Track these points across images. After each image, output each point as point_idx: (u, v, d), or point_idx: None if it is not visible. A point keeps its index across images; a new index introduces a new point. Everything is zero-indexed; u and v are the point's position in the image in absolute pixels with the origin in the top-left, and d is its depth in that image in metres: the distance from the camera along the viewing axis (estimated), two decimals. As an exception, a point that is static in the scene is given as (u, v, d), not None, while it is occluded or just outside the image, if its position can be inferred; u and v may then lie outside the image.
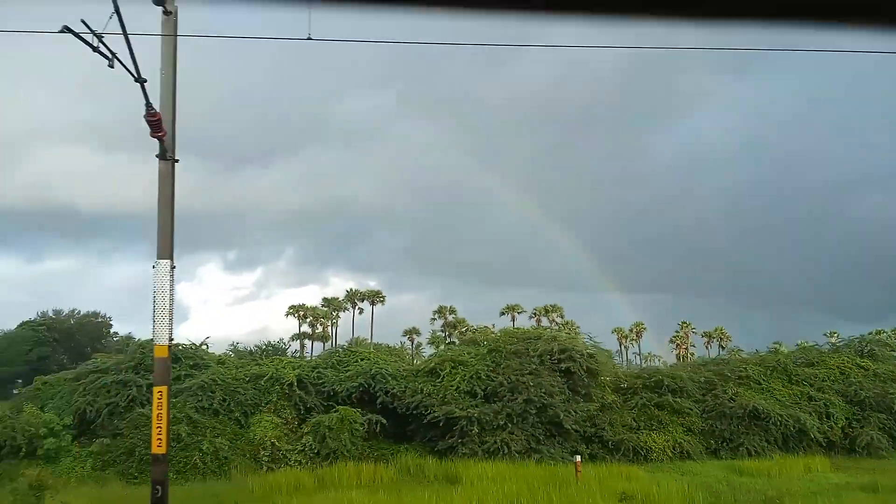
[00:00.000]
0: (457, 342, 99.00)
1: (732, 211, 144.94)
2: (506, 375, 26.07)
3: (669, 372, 30.93)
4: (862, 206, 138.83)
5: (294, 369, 26.52)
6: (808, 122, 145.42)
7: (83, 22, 7.99)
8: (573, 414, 25.80)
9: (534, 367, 26.23)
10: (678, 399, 27.89)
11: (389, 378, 25.98)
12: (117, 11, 6.78)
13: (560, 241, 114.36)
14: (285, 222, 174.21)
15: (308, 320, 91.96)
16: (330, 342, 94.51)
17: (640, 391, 29.26)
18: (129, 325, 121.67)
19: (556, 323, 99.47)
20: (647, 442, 26.81)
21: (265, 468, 23.36)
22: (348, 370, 26.78)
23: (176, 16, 10.84)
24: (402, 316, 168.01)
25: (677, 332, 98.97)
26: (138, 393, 24.45)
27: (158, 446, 11.27)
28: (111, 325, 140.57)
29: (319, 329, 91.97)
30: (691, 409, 27.79)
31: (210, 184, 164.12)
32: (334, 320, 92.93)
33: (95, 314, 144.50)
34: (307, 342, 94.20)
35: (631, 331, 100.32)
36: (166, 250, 11.24)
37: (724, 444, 27.11)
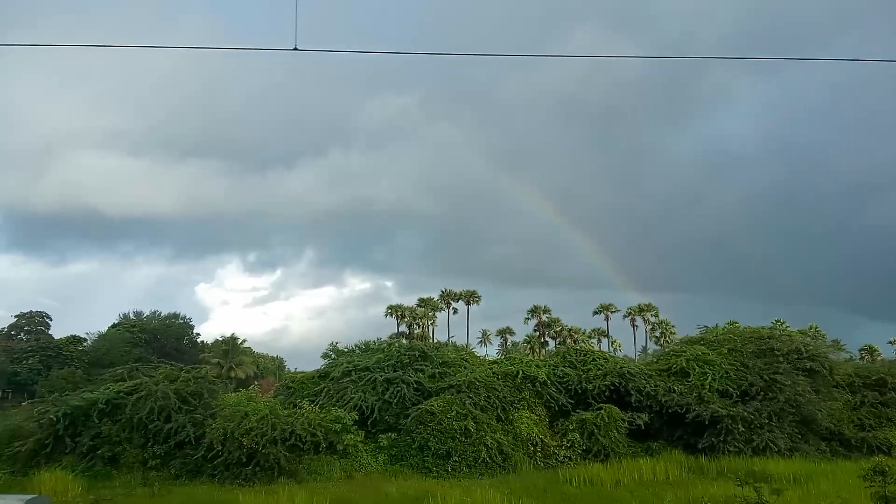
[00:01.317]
0: (552, 343, 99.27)
1: (754, 210, 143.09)
2: (756, 375, 26.25)
3: (888, 370, 30.85)
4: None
5: (539, 368, 27.01)
6: (831, 118, 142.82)
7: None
8: (826, 413, 25.91)
9: (781, 367, 26.36)
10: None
11: (639, 377, 26.32)
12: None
13: (581, 241, 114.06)
14: (306, 224, 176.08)
15: (405, 320, 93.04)
16: (429, 341, 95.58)
17: (860, 389, 29.24)
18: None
19: (650, 322, 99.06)
20: (889, 438, 26.78)
21: (540, 464, 23.92)
22: (588, 369, 27.19)
23: None
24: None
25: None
26: (407, 390, 25.19)
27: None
28: (192, 325, 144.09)
29: (418, 329, 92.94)
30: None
31: (235, 186, 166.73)
32: (432, 321, 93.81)
33: (175, 315, 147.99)
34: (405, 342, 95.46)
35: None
36: None
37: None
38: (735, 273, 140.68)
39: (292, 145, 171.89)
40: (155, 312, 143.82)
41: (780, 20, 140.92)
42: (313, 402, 25.47)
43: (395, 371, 26.14)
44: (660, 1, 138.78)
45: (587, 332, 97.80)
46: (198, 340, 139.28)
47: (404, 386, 25.27)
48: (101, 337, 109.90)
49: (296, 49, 12.41)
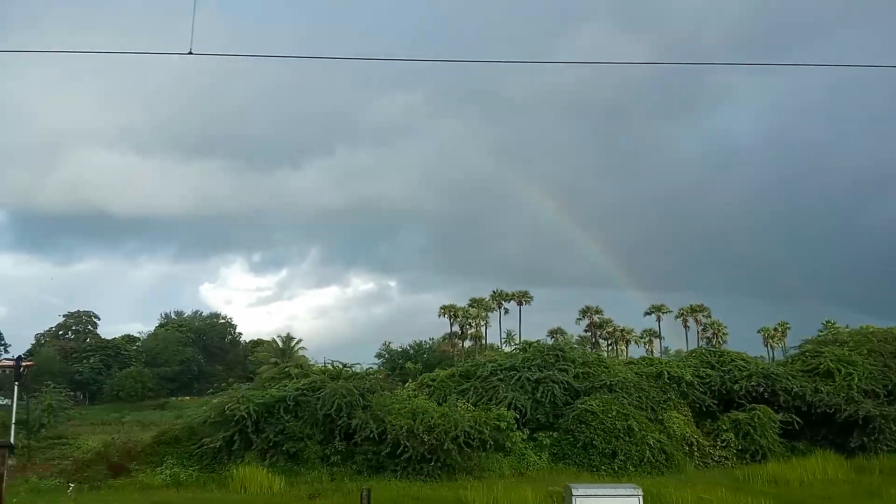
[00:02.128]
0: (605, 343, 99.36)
1: (758, 208, 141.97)
2: (901, 375, 26.44)
3: None
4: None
5: (683, 369, 27.25)
6: (834, 115, 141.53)
7: None
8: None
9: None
10: None
11: (784, 378, 26.50)
12: None
13: (586, 239, 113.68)
14: (312, 223, 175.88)
15: (458, 320, 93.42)
16: (483, 342, 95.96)
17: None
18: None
19: (702, 323, 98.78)
20: None
21: (700, 464, 24.18)
22: (728, 369, 27.41)
23: None
24: (421, 316, 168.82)
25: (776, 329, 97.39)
26: (557, 389, 25.55)
27: None
28: (234, 325, 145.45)
29: (472, 329, 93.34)
30: None
31: (241, 185, 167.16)
32: (485, 321, 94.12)
33: (216, 315, 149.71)
34: (457, 342, 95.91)
35: (776, 330, 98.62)
36: None
37: None
38: (739, 272, 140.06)
39: (299, 144, 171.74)
40: (196, 312, 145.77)
41: (785, 18, 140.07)
42: (460, 400, 25.93)
43: (540, 371, 26.49)
44: (666, 0, 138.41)
45: (639, 332, 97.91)
46: (240, 340, 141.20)
47: (554, 385, 25.63)
48: (152, 336, 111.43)
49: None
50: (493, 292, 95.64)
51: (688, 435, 24.93)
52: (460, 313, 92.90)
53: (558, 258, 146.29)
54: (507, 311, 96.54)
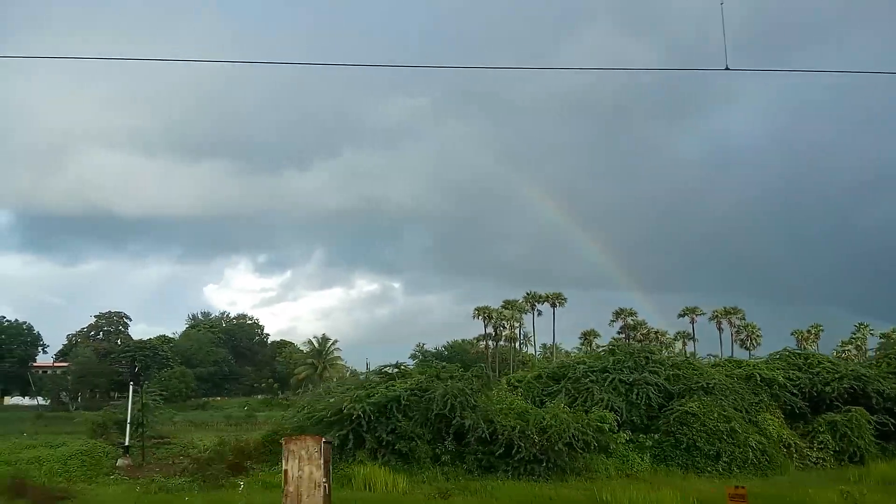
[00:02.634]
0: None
1: (758, 209, 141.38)
2: None
3: None
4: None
5: (774, 371, 27.39)
6: (834, 116, 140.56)
7: None
8: None
9: None
10: None
11: (875, 380, 26.61)
12: None
13: (588, 240, 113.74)
14: (317, 224, 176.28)
15: (492, 322, 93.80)
16: (518, 343, 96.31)
17: None
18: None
19: (735, 325, 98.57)
20: None
21: (799, 465, 24.33)
22: (816, 371, 27.53)
23: None
24: (424, 316, 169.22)
25: (854, 334, 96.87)
26: (652, 392, 25.75)
27: None
28: (262, 326, 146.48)
29: (506, 331, 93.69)
30: None
31: (247, 186, 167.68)
32: (520, 322, 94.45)
33: (244, 316, 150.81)
34: (491, 343, 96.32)
35: (809, 332, 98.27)
36: None
37: None
38: (739, 272, 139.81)
39: (305, 146, 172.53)
40: (223, 313, 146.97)
41: (789, 20, 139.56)
42: (552, 401, 26.19)
43: (632, 373, 26.69)
44: (670, 1, 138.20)
45: (672, 334, 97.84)
46: (266, 341, 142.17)
47: (649, 388, 25.83)
48: (185, 337, 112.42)
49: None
50: (527, 294, 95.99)
51: (784, 437, 25.09)
52: (494, 315, 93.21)
53: (561, 259, 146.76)
54: (539, 312, 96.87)
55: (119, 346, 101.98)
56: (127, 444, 23.20)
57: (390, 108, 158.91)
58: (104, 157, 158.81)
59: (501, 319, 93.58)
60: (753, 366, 28.27)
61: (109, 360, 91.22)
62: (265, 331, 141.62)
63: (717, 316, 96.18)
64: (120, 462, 22.58)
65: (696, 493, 18.37)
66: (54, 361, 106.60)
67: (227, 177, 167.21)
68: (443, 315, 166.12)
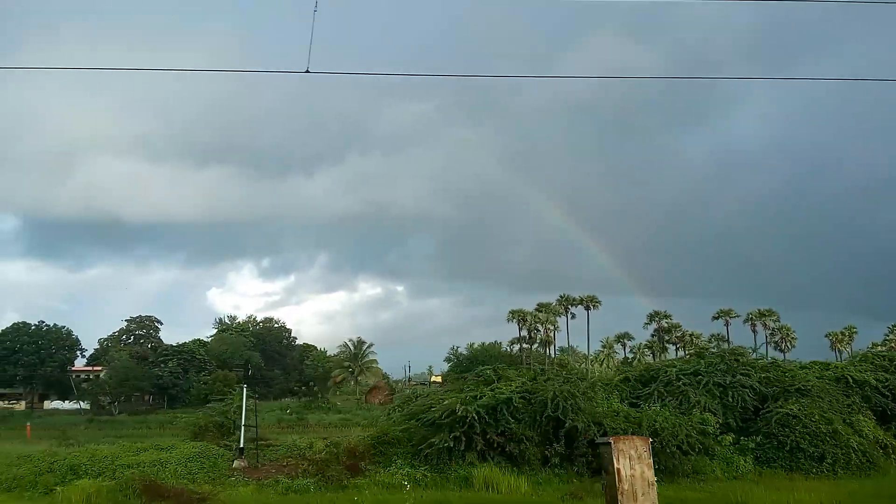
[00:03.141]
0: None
1: (763, 212, 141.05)
2: None
3: None
4: None
5: (865, 373, 27.58)
6: (839, 118, 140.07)
7: None
8: None
9: None
10: None
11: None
12: None
13: (593, 244, 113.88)
14: (322, 229, 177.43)
15: (527, 325, 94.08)
16: (552, 346, 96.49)
17: None
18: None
19: (770, 328, 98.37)
20: None
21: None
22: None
23: None
24: (431, 320, 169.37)
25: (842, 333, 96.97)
26: (749, 394, 26.01)
27: None
28: (289, 329, 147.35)
29: (540, 334, 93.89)
30: None
31: (253, 192, 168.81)
32: (555, 325, 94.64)
33: (270, 319, 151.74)
34: (525, 346, 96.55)
35: (843, 334, 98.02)
36: None
37: None
38: (744, 276, 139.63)
39: (311, 151, 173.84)
40: (251, 316, 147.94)
41: (794, 26, 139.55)
42: (644, 404, 26.53)
43: (725, 376, 26.94)
44: (675, 8, 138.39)
45: (706, 337, 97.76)
46: (294, 344, 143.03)
47: (745, 390, 26.09)
48: (218, 340, 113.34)
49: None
50: (560, 297, 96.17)
51: (880, 438, 25.29)
52: (529, 318, 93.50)
53: (566, 264, 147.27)
54: (573, 315, 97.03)
55: (156, 350, 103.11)
56: (241, 445, 23.70)
57: (396, 113, 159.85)
58: (111, 164, 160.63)
59: (536, 323, 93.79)
60: (843, 368, 28.47)
61: (148, 364, 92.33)
62: (292, 334, 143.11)
63: (751, 318, 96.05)
64: (236, 464, 23.07)
65: (826, 495, 18.65)
66: (85, 365, 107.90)
67: (233, 182, 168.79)
68: (447, 319, 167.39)
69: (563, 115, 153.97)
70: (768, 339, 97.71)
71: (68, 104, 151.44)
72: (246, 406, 25.58)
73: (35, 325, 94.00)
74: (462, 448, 22.60)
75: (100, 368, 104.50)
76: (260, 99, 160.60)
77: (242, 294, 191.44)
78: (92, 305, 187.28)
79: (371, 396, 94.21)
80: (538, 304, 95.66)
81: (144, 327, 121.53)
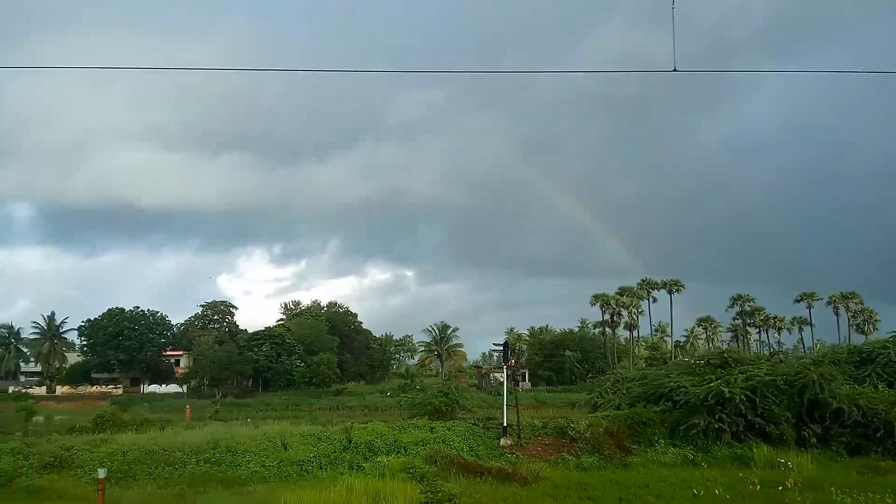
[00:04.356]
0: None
1: (780, 195, 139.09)
2: None
3: None
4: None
5: None
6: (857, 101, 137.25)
7: None
8: None
9: None
10: None
11: None
12: None
13: (605, 230, 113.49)
14: (334, 216, 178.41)
15: (610, 309, 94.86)
16: (636, 330, 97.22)
17: None
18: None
19: (852, 311, 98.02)
20: None
21: None
22: None
23: None
24: (437, 306, 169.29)
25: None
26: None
27: None
28: (355, 313, 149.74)
29: (626, 318, 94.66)
30: None
31: (267, 179, 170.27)
32: (640, 310, 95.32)
33: (333, 304, 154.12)
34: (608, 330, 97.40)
35: None
36: None
37: None
38: (761, 260, 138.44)
39: (325, 138, 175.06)
40: (315, 301, 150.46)
41: (810, 11, 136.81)
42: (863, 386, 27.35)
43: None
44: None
45: (789, 320, 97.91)
46: (361, 328, 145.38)
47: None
48: (299, 325, 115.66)
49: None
50: (642, 281, 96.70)
51: None
52: (613, 302, 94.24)
53: (578, 249, 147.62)
54: (655, 299, 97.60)
55: (233, 334, 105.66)
56: (506, 423, 25.01)
57: (409, 101, 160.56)
58: (127, 153, 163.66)
59: (620, 307, 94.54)
60: None
61: (241, 349, 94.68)
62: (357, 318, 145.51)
63: (834, 301, 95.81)
64: (503, 441, 24.41)
65: None
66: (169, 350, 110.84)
67: (247, 170, 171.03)
68: (455, 305, 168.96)
69: (576, 102, 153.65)
70: (850, 322, 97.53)
71: (84, 95, 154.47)
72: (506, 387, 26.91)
73: (130, 310, 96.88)
74: (726, 429, 23.66)
75: (180, 353, 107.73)
76: (273, 87, 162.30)
77: (252, 280, 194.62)
78: (103, 293, 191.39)
79: (455, 379, 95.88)
80: (619, 288, 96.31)
81: (219, 312, 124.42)
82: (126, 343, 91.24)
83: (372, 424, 26.27)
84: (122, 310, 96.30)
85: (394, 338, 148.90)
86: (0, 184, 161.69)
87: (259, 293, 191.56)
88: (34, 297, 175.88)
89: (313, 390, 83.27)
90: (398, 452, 22.89)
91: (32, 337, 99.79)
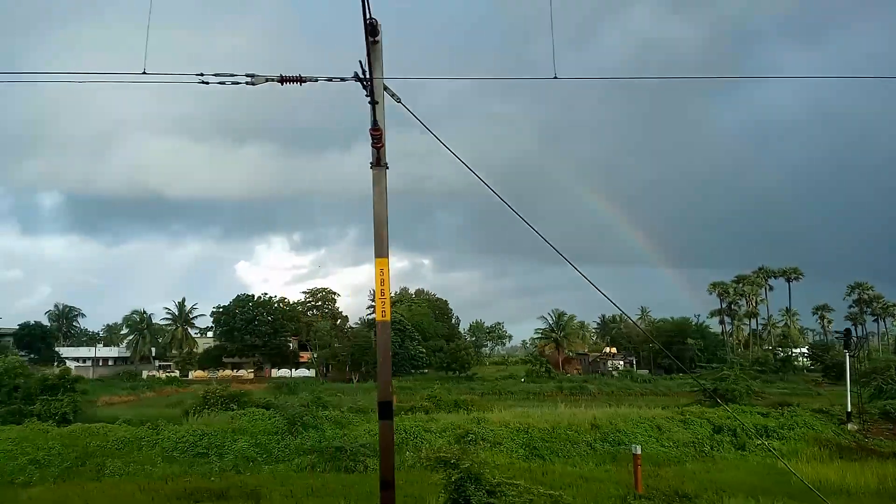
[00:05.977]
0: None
1: (801, 182, 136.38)
2: None
3: None
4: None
5: None
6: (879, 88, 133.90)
7: None
8: None
9: None
10: None
11: None
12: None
13: (622, 218, 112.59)
14: (356, 204, 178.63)
15: (728, 297, 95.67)
16: (756, 319, 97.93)
17: None
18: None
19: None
20: None
21: None
22: None
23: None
24: (458, 291, 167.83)
25: None
26: None
27: None
28: (445, 300, 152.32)
29: (745, 306, 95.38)
30: None
31: (291, 168, 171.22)
32: (760, 298, 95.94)
33: (421, 291, 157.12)
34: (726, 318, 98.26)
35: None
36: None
37: None
38: (779, 247, 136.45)
39: (349, 125, 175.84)
40: (403, 288, 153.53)
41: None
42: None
43: None
44: None
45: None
46: (451, 315, 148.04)
47: None
48: (406, 309, 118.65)
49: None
50: (759, 268, 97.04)
51: None
52: (731, 290, 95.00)
53: (594, 237, 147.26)
54: (771, 287, 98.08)
55: (337, 320, 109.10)
56: (849, 409, 26.88)
57: (432, 87, 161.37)
58: (155, 143, 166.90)
59: (736, 295, 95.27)
60: None
61: (363, 335, 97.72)
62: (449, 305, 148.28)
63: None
64: (850, 426, 26.28)
65: None
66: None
67: (271, 159, 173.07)
68: (471, 292, 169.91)
69: (601, 87, 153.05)
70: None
71: (111, 86, 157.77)
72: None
73: (258, 296, 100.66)
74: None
75: (296, 337, 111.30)
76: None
77: (270, 267, 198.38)
78: (124, 280, 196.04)
79: (569, 366, 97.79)
80: (736, 276, 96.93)
81: (321, 298, 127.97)
82: (262, 328, 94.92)
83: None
84: (252, 296, 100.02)
85: (484, 325, 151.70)
86: (28, 173, 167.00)
87: (277, 281, 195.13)
88: (56, 285, 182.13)
89: (450, 375, 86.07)
90: (767, 437, 24.97)
91: (164, 323, 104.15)
